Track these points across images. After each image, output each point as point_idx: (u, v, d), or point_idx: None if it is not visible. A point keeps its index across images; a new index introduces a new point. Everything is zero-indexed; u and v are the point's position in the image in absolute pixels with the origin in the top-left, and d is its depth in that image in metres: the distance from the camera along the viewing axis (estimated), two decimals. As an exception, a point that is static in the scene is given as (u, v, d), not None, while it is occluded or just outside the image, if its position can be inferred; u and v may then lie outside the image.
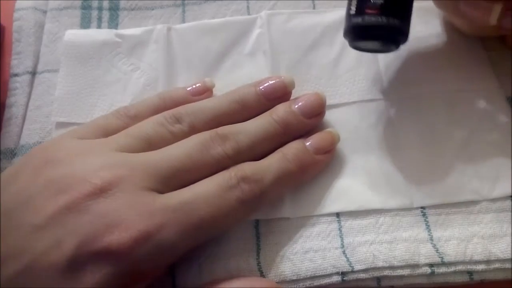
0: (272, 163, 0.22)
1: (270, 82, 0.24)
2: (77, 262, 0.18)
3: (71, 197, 0.19)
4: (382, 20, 0.21)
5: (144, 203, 0.19)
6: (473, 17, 0.22)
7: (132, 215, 0.19)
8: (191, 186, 0.21)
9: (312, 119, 0.24)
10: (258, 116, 0.24)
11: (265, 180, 0.21)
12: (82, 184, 0.19)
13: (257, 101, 0.24)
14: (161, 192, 0.20)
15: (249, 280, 0.21)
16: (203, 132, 0.22)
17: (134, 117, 0.24)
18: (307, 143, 0.23)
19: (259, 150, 0.23)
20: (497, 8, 0.21)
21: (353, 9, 0.22)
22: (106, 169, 0.20)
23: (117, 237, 0.18)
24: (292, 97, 0.26)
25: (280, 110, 0.23)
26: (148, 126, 0.23)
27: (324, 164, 0.24)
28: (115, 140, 0.22)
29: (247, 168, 0.21)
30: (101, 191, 0.19)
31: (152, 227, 0.19)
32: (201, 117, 0.23)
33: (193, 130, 0.23)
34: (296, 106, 0.24)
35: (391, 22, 0.21)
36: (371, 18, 0.21)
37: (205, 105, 0.24)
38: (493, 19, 0.21)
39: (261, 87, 0.24)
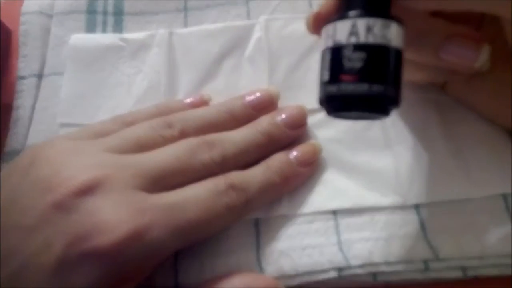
0: (257, 174, 0.23)
1: (257, 94, 0.26)
2: (66, 263, 0.18)
3: (58, 195, 0.19)
4: (362, 88, 0.17)
5: (134, 202, 0.19)
6: (455, 64, 0.20)
7: (121, 213, 0.19)
8: (181, 188, 0.21)
9: (295, 130, 0.25)
10: (243, 127, 0.25)
11: (250, 189, 0.22)
12: (69, 182, 0.19)
13: (244, 112, 0.25)
14: (150, 193, 0.20)
15: (248, 277, 0.21)
16: (191, 138, 0.23)
17: (130, 124, 0.24)
18: (291, 156, 0.24)
19: (244, 159, 0.23)
20: (487, 49, 0.20)
21: (326, 75, 0.18)
22: (94, 167, 0.20)
23: (107, 237, 0.18)
24: (291, 102, 0.26)
25: (264, 122, 0.24)
26: (139, 129, 0.23)
27: (306, 176, 0.24)
28: (105, 141, 0.22)
29: (235, 176, 0.22)
30: (89, 189, 0.19)
31: (141, 226, 0.19)
32: (191, 124, 0.24)
33: (183, 135, 0.23)
34: (280, 118, 0.25)
35: (374, 90, 0.17)
36: (348, 87, 0.17)
37: (195, 113, 0.25)
38: (480, 61, 0.20)
39: (248, 99, 0.25)
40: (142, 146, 0.22)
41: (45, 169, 0.20)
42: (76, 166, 0.20)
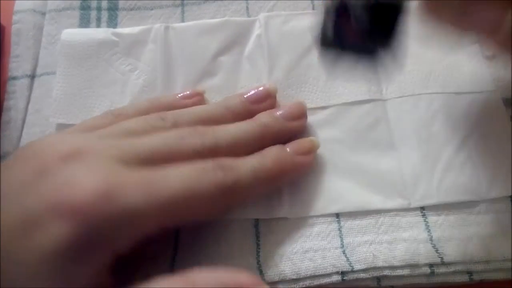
0: (250, 160, 0.22)
1: (255, 91, 0.25)
2: (35, 219, 0.17)
3: (39, 163, 0.19)
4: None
5: (116, 170, 0.19)
6: (480, 28, 0.20)
7: (99, 175, 0.18)
8: (165, 166, 0.20)
9: (293, 121, 0.24)
10: (241, 121, 0.24)
11: (240, 170, 0.21)
12: (52, 151, 0.19)
13: (243, 107, 0.25)
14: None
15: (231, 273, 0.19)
16: (182, 128, 0.22)
17: (122, 118, 0.24)
18: (287, 147, 0.23)
19: (238, 151, 0.22)
20: None
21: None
22: (78, 142, 0.20)
23: (79, 194, 0.17)
24: (291, 100, 0.26)
25: (262, 116, 0.24)
26: (131, 121, 0.23)
27: (304, 166, 0.24)
28: (95, 133, 0.22)
29: (225, 159, 0.21)
30: (69, 157, 0.19)
31: (118, 186, 0.18)
32: (185, 117, 0.23)
33: (176, 127, 0.23)
34: (278, 113, 0.24)
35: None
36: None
37: (191, 110, 0.24)
38: (507, 26, 0.19)
39: (246, 96, 0.25)
40: (131, 134, 0.22)
41: (32, 149, 0.20)
42: (61, 141, 0.21)
